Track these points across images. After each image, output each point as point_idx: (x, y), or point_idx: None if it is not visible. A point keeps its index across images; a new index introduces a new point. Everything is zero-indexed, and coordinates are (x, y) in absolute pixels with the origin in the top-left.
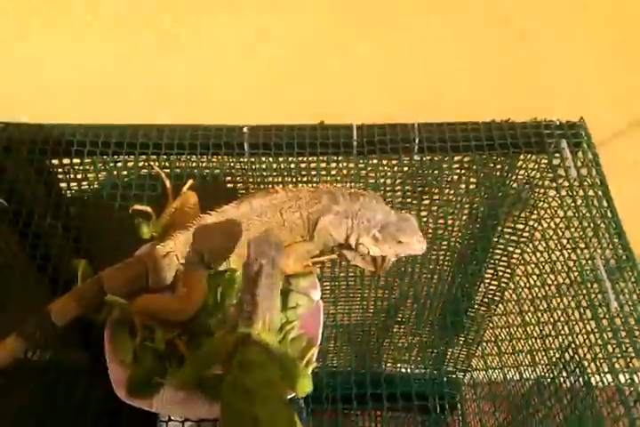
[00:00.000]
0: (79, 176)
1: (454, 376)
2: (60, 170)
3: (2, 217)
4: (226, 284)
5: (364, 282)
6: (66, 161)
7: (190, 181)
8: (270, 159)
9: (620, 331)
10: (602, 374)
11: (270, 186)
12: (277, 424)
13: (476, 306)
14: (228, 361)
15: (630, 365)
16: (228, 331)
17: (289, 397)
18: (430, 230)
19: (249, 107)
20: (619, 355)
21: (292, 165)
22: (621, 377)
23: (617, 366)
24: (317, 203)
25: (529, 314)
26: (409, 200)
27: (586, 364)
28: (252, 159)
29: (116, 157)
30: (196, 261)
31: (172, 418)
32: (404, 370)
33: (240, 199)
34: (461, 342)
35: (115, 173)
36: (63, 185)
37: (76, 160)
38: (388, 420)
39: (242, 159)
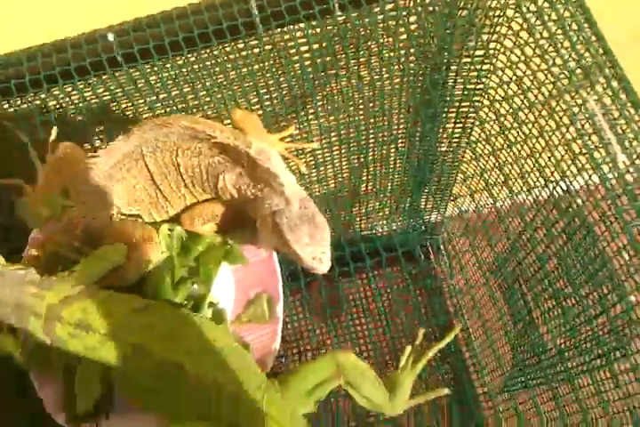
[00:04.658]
0: None
1: (432, 221)
2: None
3: None
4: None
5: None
6: None
7: (55, 129)
8: (155, 68)
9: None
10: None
11: (178, 96)
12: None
13: (445, 142)
14: (56, 342)
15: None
16: None
17: None
18: (377, 90)
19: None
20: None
21: (186, 69)
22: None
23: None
24: (220, 154)
25: (504, 150)
26: (343, 63)
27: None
28: (132, 72)
29: None
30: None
31: None
32: (380, 229)
33: (129, 132)
34: (435, 184)
35: None
36: None
37: None
38: (377, 279)
39: (119, 74)
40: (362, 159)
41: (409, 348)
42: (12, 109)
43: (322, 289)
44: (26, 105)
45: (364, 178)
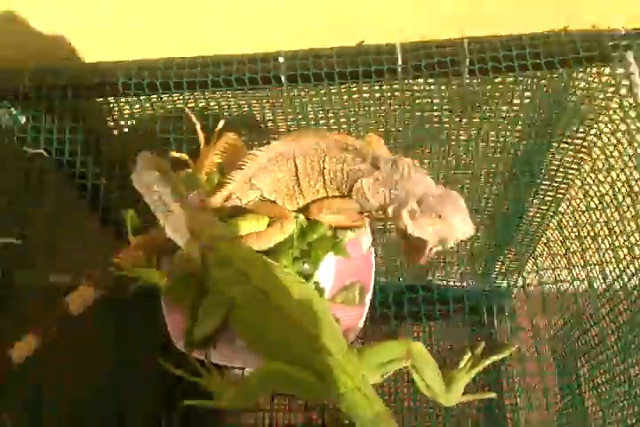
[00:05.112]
0: (114, 116)
1: (504, 288)
2: (94, 111)
3: (46, 166)
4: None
5: None
6: (99, 101)
7: (222, 122)
8: (309, 90)
9: None
10: None
11: (315, 117)
12: (285, 293)
13: (528, 219)
14: (204, 266)
15: None
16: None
17: None
18: (481, 147)
19: (279, 29)
20: None
21: (334, 96)
22: None
23: None
24: (361, 162)
25: (586, 227)
26: (457, 119)
27: None
28: (291, 90)
29: (153, 96)
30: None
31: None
32: (452, 283)
33: (288, 135)
34: (510, 258)
35: (151, 112)
36: (99, 128)
37: (109, 101)
38: (437, 331)
39: (282, 89)
40: None
41: (469, 354)
42: (191, 101)
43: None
44: (200, 100)
45: None
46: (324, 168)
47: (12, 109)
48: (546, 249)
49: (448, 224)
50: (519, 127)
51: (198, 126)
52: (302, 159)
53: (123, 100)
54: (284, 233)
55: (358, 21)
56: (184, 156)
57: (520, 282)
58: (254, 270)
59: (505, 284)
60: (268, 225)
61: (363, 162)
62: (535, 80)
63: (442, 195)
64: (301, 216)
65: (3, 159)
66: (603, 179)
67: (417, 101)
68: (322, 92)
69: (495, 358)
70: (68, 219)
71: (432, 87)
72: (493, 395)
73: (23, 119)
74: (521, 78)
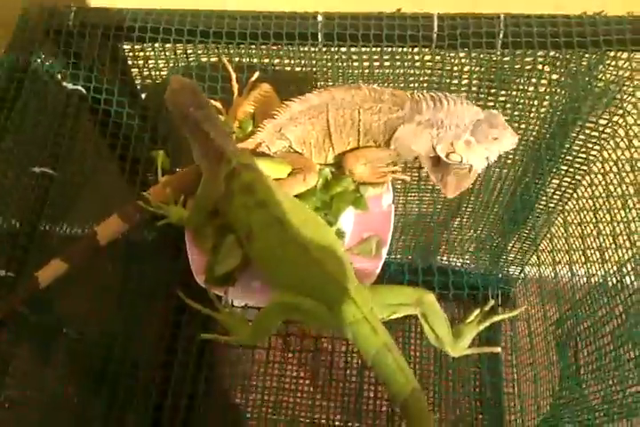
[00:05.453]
0: (150, 63)
1: (510, 272)
2: (132, 56)
3: (82, 105)
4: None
5: None
6: (138, 47)
7: (257, 73)
8: (344, 50)
9: None
10: None
11: (346, 79)
12: (300, 224)
13: (544, 202)
14: (228, 192)
15: None
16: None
17: None
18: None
19: None
20: None
21: (366, 57)
22: None
23: None
24: (399, 110)
25: (601, 212)
26: (483, 96)
27: None
28: (326, 50)
29: (189, 44)
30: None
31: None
32: (459, 263)
33: (322, 89)
34: (522, 239)
35: (185, 62)
36: (135, 71)
37: (147, 47)
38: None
39: (315, 49)
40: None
41: (477, 310)
42: (228, 52)
43: None
44: (235, 54)
45: (463, 208)
46: (359, 120)
47: (54, 47)
48: (560, 233)
49: (501, 143)
50: (544, 108)
51: (234, 76)
52: (335, 112)
53: (161, 46)
54: (306, 185)
55: None
56: (217, 104)
57: (531, 268)
58: (274, 200)
59: (511, 272)
60: (289, 175)
61: (400, 109)
62: (564, 62)
63: (488, 117)
64: (327, 169)
65: (43, 94)
66: (622, 164)
67: (446, 74)
68: (354, 57)
69: (503, 316)
70: (99, 158)
71: (463, 61)
72: (498, 349)
73: (65, 56)
74: (551, 58)
